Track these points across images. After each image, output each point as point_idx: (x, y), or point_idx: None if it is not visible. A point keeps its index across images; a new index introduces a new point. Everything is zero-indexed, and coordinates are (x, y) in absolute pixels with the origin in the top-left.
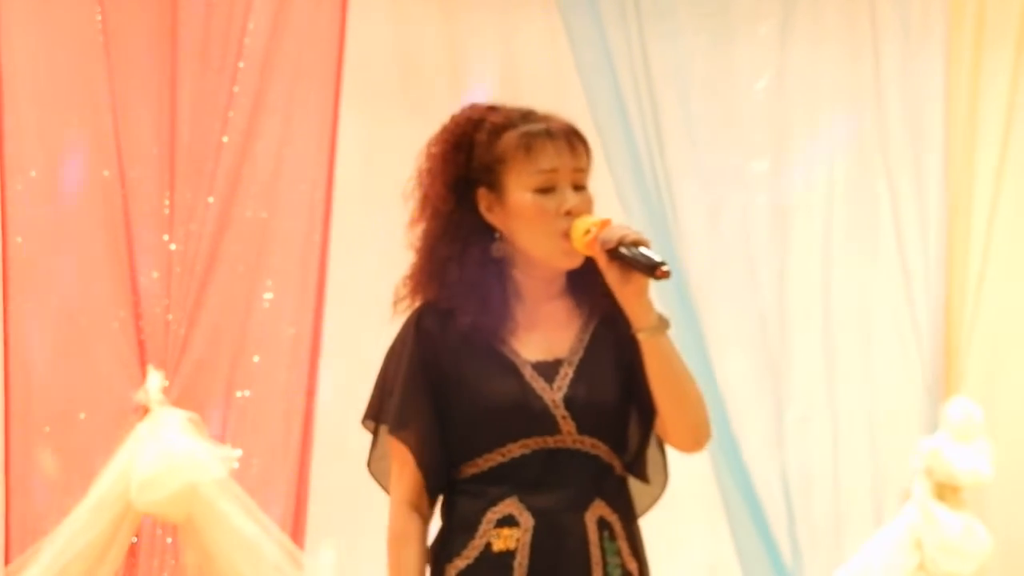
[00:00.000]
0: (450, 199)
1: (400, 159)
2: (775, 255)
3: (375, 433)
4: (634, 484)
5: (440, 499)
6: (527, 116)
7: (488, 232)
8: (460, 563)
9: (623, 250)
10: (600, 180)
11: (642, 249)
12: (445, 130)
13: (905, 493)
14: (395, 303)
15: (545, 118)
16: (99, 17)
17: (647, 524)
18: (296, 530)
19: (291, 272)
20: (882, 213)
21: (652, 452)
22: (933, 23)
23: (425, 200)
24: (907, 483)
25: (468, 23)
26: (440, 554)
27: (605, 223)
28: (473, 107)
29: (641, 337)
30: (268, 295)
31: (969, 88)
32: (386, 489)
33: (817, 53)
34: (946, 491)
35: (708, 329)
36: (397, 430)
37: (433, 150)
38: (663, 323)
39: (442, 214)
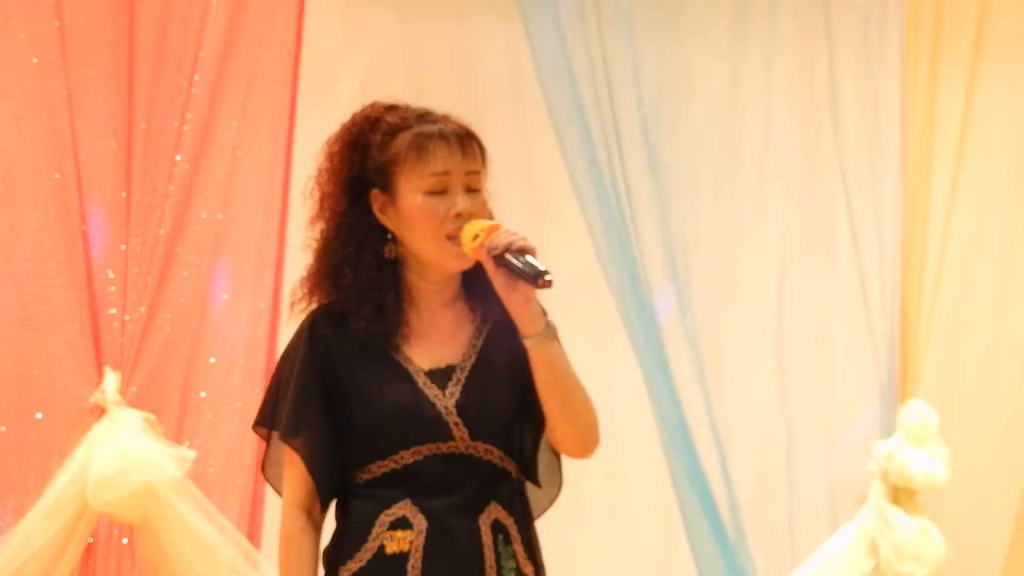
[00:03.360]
0: (344, 199)
1: None
2: (731, 258)
3: (268, 439)
4: (530, 488)
5: (334, 504)
6: (423, 117)
7: (382, 233)
8: (353, 566)
9: (508, 257)
10: (559, 184)
11: (527, 257)
12: (343, 129)
13: (860, 496)
14: (292, 305)
15: (441, 119)
16: (56, 23)
17: (601, 522)
18: (252, 530)
19: (247, 273)
20: (838, 217)
21: (545, 456)
22: (890, 28)
23: (322, 200)
24: (862, 486)
25: (427, 27)
26: (334, 558)
27: (493, 228)
28: (373, 106)
29: (528, 344)
30: (224, 296)
31: (926, 93)
32: (280, 494)
33: (771, 57)
34: (901, 494)
35: (664, 331)
36: (288, 436)
37: (330, 149)
38: (551, 330)
39: (337, 214)
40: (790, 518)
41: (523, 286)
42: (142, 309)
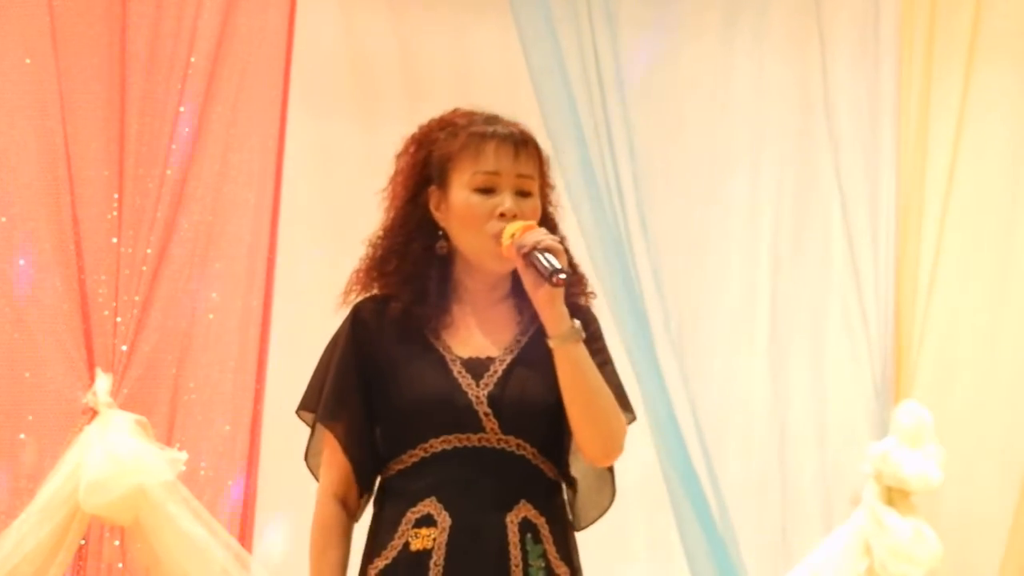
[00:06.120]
0: (405, 195)
1: (349, 161)
2: (725, 259)
3: (313, 425)
4: (581, 495)
5: (371, 498)
6: (489, 119)
7: (435, 230)
8: (380, 563)
9: (534, 255)
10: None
11: (548, 256)
12: (418, 129)
13: (855, 498)
14: (345, 294)
15: (504, 123)
16: (49, 23)
17: (595, 524)
18: (244, 533)
19: (238, 274)
20: (832, 217)
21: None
22: (884, 25)
23: (391, 198)
24: (857, 488)
25: (420, 24)
26: (367, 554)
27: (528, 227)
28: (453, 110)
29: (552, 344)
30: (215, 297)
31: (920, 91)
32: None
33: (764, 55)
34: (896, 496)
35: (656, 331)
36: (327, 420)
37: (404, 149)
38: (575, 333)
39: (396, 209)
40: (784, 519)
41: (547, 285)
42: (134, 311)
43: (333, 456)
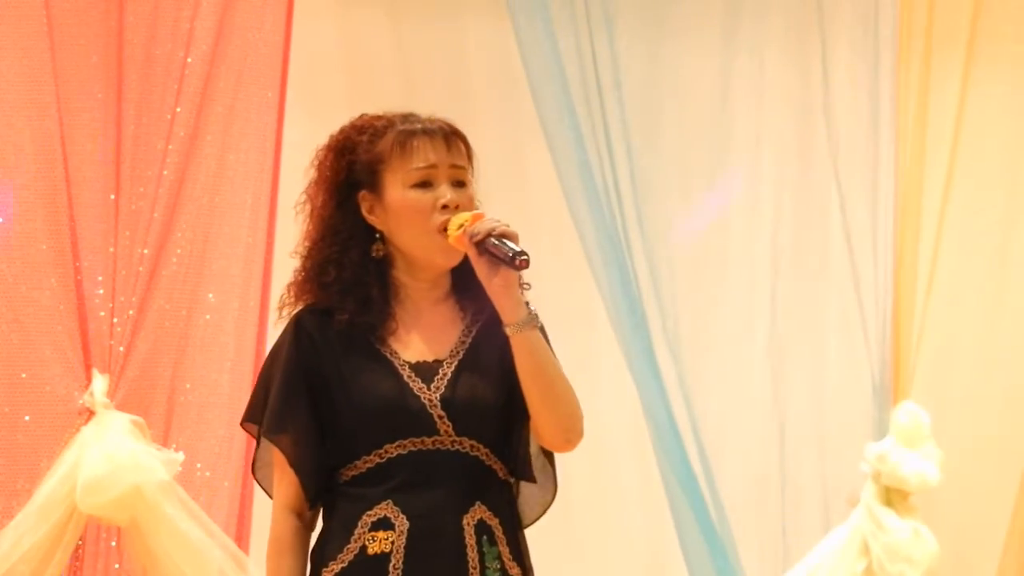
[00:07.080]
0: (332, 204)
1: None
2: (723, 260)
3: (258, 437)
4: (524, 494)
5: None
6: (407, 117)
7: (369, 234)
8: (336, 567)
9: (490, 241)
10: (549, 186)
11: (507, 241)
12: (331, 138)
13: (852, 498)
14: (280, 308)
15: (426, 119)
16: (45, 20)
17: (590, 524)
18: (240, 534)
19: (235, 275)
20: (830, 218)
21: (539, 459)
22: (883, 28)
23: (312, 209)
24: (855, 488)
25: (417, 26)
26: (318, 558)
27: (477, 216)
28: (361, 116)
29: (509, 331)
30: (212, 298)
31: (919, 94)
32: (269, 495)
33: (763, 58)
34: (894, 496)
35: (655, 333)
36: (272, 433)
37: (319, 159)
38: (532, 318)
39: (324, 218)
40: (783, 520)
41: (504, 271)
42: (130, 312)
43: (283, 470)
